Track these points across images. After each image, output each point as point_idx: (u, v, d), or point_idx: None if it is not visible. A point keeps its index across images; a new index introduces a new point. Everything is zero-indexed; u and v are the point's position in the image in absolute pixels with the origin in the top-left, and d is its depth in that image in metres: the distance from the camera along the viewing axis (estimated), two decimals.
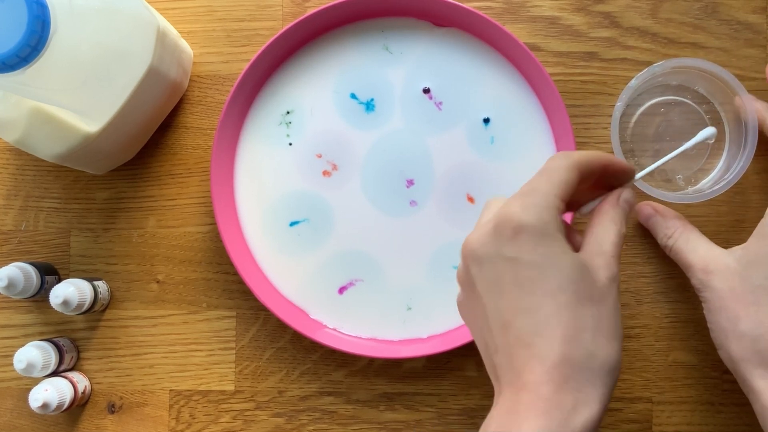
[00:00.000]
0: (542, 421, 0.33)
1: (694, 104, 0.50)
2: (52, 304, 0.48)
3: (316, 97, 0.52)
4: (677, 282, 0.52)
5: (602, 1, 0.52)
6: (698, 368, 0.52)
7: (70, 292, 0.48)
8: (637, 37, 0.52)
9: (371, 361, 0.53)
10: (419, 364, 0.52)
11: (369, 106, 0.52)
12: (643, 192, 0.47)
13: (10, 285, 0.48)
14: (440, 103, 0.52)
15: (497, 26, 0.50)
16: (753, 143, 0.46)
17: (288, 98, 0.52)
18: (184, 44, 0.52)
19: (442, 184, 0.52)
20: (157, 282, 0.53)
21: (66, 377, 0.51)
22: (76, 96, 0.44)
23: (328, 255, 0.52)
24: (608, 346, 0.36)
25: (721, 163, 0.50)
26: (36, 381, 0.50)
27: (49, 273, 0.52)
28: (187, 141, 0.54)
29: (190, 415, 0.53)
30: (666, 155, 0.44)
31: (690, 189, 0.50)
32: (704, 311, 0.46)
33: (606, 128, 0.52)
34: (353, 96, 0.52)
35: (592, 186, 0.41)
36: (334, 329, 0.52)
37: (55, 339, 0.52)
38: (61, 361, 0.51)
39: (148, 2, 0.50)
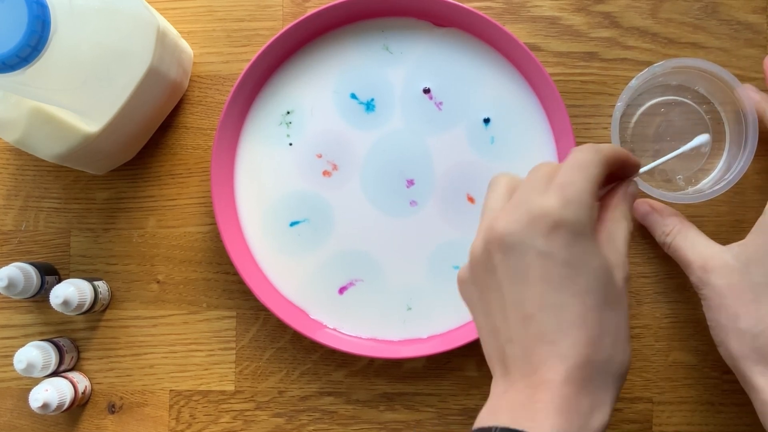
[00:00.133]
0: (561, 422, 0.33)
1: (694, 104, 0.50)
2: (52, 304, 0.48)
3: (316, 97, 0.52)
4: (677, 282, 0.52)
5: (602, 1, 0.52)
6: (698, 368, 0.52)
7: (70, 292, 0.48)
8: (637, 37, 0.52)
9: (371, 361, 0.53)
10: (419, 364, 0.52)
11: (369, 106, 0.52)
12: (644, 192, 0.47)
13: (10, 285, 0.48)
14: (440, 103, 0.52)
15: (497, 26, 0.50)
16: (753, 143, 0.46)
17: (288, 98, 0.52)
18: (184, 44, 0.52)
19: (442, 184, 0.52)
20: (157, 282, 0.53)
21: (66, 377, 0.51)
22: (76, 96, 0.44)
23: (328, 255, 0.52)
24: (624, 351, 0.36)
25: (721, 163, 0.50)
26: (36, 381, 0.50)
27: (49, 273, 0.52)
28: (187, 141, 0.54)
29: (191, 415, 0.53)
30: (666, 155, 0.44)
31: (690, 189, 0.50)
32: (704, 308, 0.46)
33: (606, 128, 0.52)
34: (353, 96, 0.52)
35: None
36: (334, 329, 0.52)
37: (55, 339, 0.52)
38: (61, 361, 0.51)
39: (148, 2, 0.50)
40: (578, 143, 0.52)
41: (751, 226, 0.45)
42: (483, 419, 0.36)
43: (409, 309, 0.52)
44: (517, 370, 0.36)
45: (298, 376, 0.53)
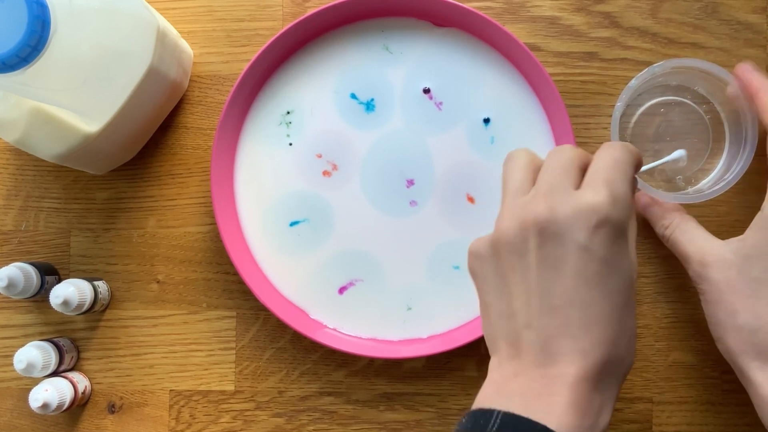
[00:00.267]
0: (576, 419, 0.34)
1: (693, 104, 0.50)
2: (52, 304, 0.48)
3: (316, 97, 0.52)
4: (677, 282, 0.52)
5: (602, 1, 0.52)
6: (698, 368, 0.52)
7: (70, 292, 0.48)
8: (637, 37, 0.52)
9: (371, 361, 0.53)
10: (419, 364, 0.52)
11: (369, 106, 0.52)
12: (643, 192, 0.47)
13: (10, 285, 0.48)
14: (440, 103, 0.52)
15: (497, 26, 0.50)
16: (753, 143, 0.46)
17: (288, 98, 0.52)
18: (184, 44, 0.52)
19: (442, 184, 0.52)
20: (157, 282, 0.53)
21: (66, 377, 0.51)
22: (76, 96, 0.44)
23: (328, 255, 0.52)
24: (632, 352, 0.37)
25: (721, 163, 0.50)
26: (36, 381, 0.50)
27: (49, 273, 0.52)
28: (187, 141, 0.54)
29: (190, 415, 0.53)
30: (666, 155, 0.45)
31: (690, 189, 0.50)
32: (702, 303, 0.46)
33: (606, 128, 0.52)
34: (353, 96, 0.52)
35: None
36: (334, 329, 0.52)
37: (55, 339, 0.52)
38: (61, 361, 0.51)
39: (148, 2, 0.50)
40: (578, 143, 0.52)
41: None
42: (488, 399, 0.36)
43: (409, 309, 0.52)
44: (531, 357, 0.36)
45: (298, 376, 0.53)
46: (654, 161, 0.48)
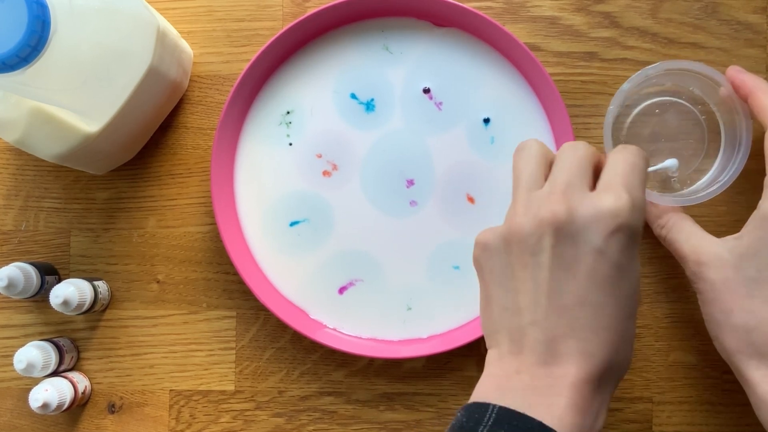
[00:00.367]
0: (578, 420, 0.34)
1: (689, 105, 0.50)
2: (52, 304, 0.48)
3: (316, 97, 0.52)
4: (677, 282, 0.52)
5: (602, 1, 0.52)
6: (698, 368, 0.52)
7: (70, 292, 0.48)
8: (637, 37, 0.52)
9: (371, 361, 0.53)
10: (419, 364, 0.52)
11: (369, 106, 0.52)
12: None
13: (10, 285, 0.48)
14: (440, 103, 0.52)
15: (497, 26, 0.50)
16: (747, 145, 0.46)
17: (288, 98, 0.52)
18: (184, 44, 0.52)
19: (442, 184, 0.52)
20: (157, 282, 0.53)
21: (66, 377, 0.51)
22: (76, 96, 0.44)
23: (328, 255, 0.52)
24: (631, 356, 0.37)
25: (716, 165, 0.50)
26: (36, 381, 0.50)
27: (49, 273, 0.52)
28: (187, 141, 0.54)
29: (190, 415, 0.53)
30: (662, 156, 0.46)
31: (685, 189, 0.50)
32: (699, 302, 0.45)
33: None
34: (353, 96, 0.52)
35: None
36: (334, 329, 0.52)
37: (55, 339, 0.52)
38: (61, 361, 0.51)
39: (148, 2, 0.50)
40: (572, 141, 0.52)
41: None
42: (489, 394, 0.36)
43: (409, 309, 0.52)
44: (535, 355, 0.36)
45: (298, 376, 0.53)
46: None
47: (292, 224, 0.52)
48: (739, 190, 0.50)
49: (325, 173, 0.52)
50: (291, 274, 0.52)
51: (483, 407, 0.34)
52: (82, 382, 0.52)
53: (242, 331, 0.53)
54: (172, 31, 0.50)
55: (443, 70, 0.52)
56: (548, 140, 0.51)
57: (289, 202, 0.52)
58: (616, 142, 0.50)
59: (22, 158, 0.54)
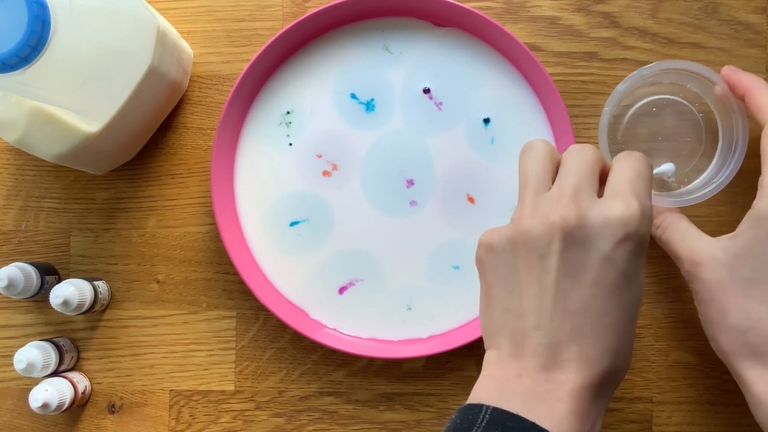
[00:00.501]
0: (578, 425, 0.34)
1: (686, 103, 0.50)
2: (52, 304, 0.48)
3: (316, 97, 0.52)
4: (677, 282, 0.52)
5: (602, 1, 0.52)
6: (698, 368, 0.52)
7: (70, 292, 0.48)
8: (637, 37, 0.52)
9: (371, 361, 0.53)
10: (419, 364, 0.52)
11: (369, 106, 0.52)
12: None
13: (10, 285, 0.48)
14: (440, 103, 0.52)
15: (497, 26, 0.50)
16: (743, 146, 0.46)
17: (288, 98, 0.52)
18: (184, 44, 0.52)
19: (442, 184, 0.52)
20: (157, 282, 0.53)
21: (66, 377, 0.51)
22: (76, 96, 0.44)
23: (328, 255, 0.52)
24: (629, 363, 0.37)
25: (713, 164, 0.50)
26: (36, 381, 0.50)
27: (49, 273, 0.52)
28: (187, 141, 0.54)
29: (190, 415, 0.53)
30: (659, 155, 0.46)
31: (683, 188, 0.50)
32: (695, 302, 0.45)
33: None
34: (353, 96, 0.52)
35: None
36: (334, 329, 0.52)
37: (55, 339, 0.52)
38: (61, 361, 0.51)
39: (148, 2, 0.50)
40: (578, 143, 0.52)
41: None
42: (488, 396, 0.36)
43: (409, 309, 0.52)
44: (537, 359, 0.36)
45: (298, 376, 0.53)
46: None
47: (292, 224, 0.52)
48: (739, 189, 0.50)
49: (325, 173, 0.52)
50: (291, 274, 0.52)
51: (477, 408, 0.34)
52: (82, 382, 0.52)
53: (242, 331, 0.53)
54: (172, 31, 0.50)
55: (443, 70, 0.52)
56: (548, 140, 0.51)
57: (289, 202, 0.52)
58: (613, 142, 0.50)
59: (22, 158, 0.54)
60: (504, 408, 0.34)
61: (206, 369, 0.53)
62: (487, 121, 0.52)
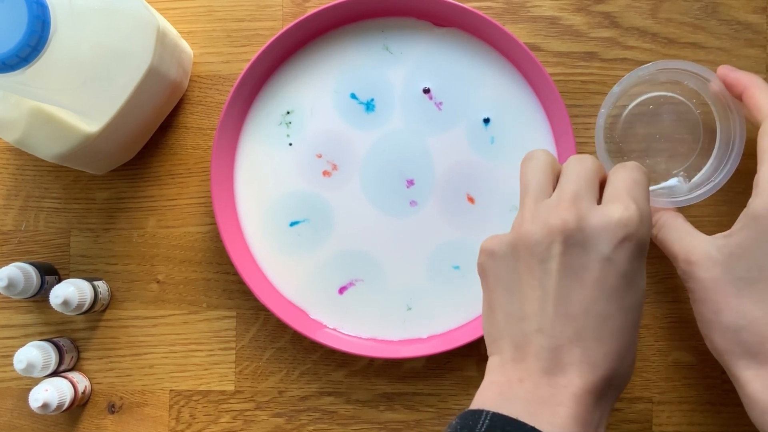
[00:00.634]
0: (579, 430, 0.34)
1: (684, 99, 0.49)
2: (52, 304, 0.48)
3: (316, 97, 0.52)
4: (677, 282, 0.52)
5: (602, 1, 0.52)
6: (698, 368, 0.52)
7: (70, 292, 0.48)
8: (637, 37, 0.52)
9: (371, 361, 0.53)
10: (419, 364, 0.52)
11: (369, 106, 0.52)
12: None
13: (10, 285, 0.48)
14: (440, 103, 0.52)
15: (497, 26, 0.50)
16: (740, 146, 0.45)
17: (288, 98, 0.52)
18: (184, 44, 0.52)
19: (442, 184, 0.52)
20: (157, 282, 0.53)
21: (66, 377, 0.51)
22: (76, 96, 0.44)
23: (328, 255, 0.52)
24: (633, 367, 0.37)
25: (710, 162, 0.49)
26: (36, 381, 0.50)
27: (49, 273, 0.52)
28: (187, 141, 0.54)
29: (190, 415, 0.53)
30: (657, 154, 0.46)
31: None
32: (690, 301, 0.45)
33: None
34: (353, 96, 0.52)
35: None
36: (334, 329, 0.52)
37: (55, 339, 0.52)
38: (61, 361, 0.51)
39: (148, 2, 0.50)
40: (578, 143, 0.52)
41: None
42: (490, 401, 0.36)
43: (409, 309, 0.52)
44: (539, 363, 0.36)
45: (298, 376, 0.53)
46: (641, 160, 0.49)
47: (292, 224, 0.52)
48: (741, 189, 0.50)
49: (325, 173, 0.52)
50: (291, 274, 0.52)
51: (477, 414, 0.34)
52: (82, 382, 0.52)
53: (242, 331, 0.53)
54: (172, 31, 0.50)
55: (443, 70, 0.52)
56: (548, 140, 0.51)
57: (289, 202, 0.52)
58: (611, 141, 0.50)
59: (22, 158, 0.54)
60: (505, 413, 0.34)
61: (206, 369, 0.53)
62: (487, 121, 0.52)
